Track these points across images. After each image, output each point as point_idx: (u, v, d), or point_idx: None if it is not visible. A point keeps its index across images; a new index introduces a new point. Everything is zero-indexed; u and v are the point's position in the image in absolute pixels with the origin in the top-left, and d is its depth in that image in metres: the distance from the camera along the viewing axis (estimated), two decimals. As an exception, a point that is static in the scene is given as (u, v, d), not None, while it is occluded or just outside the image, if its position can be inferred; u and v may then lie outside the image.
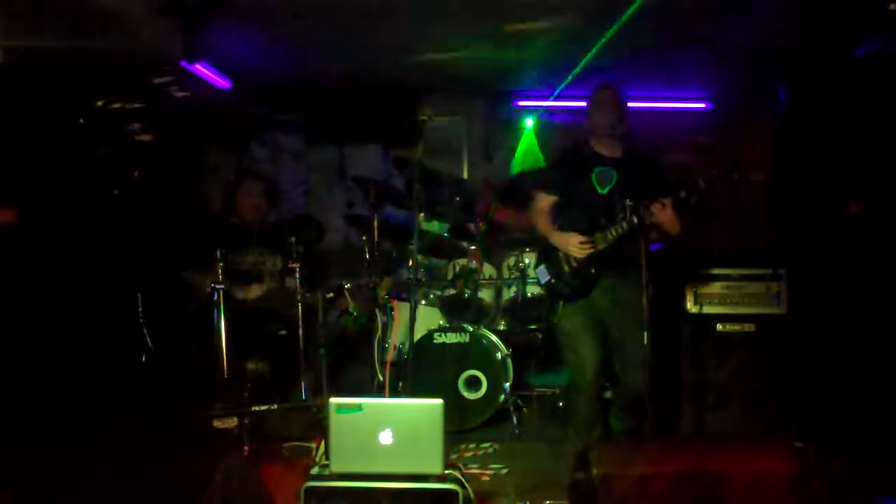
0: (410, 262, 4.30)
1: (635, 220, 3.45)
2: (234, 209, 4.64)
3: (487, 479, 3.70)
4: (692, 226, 3.62)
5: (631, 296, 3.53)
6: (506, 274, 4.74)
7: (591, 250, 3.59)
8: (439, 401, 2.81)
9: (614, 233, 3.53)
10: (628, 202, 3.46)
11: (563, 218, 3.74)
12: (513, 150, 6.23)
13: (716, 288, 4.12)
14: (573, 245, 3.61)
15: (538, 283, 3.91)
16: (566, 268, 3.68)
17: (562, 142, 5.90)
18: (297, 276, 4.15)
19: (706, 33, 4.77)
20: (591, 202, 3.62)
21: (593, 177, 3.64)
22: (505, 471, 3.80)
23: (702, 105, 6.26)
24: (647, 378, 3.48)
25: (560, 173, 3.83)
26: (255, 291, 4.50)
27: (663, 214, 3.46)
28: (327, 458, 2.86)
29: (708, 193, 3.48)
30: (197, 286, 4.27)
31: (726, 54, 5.20)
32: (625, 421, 3.77)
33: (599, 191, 3.62)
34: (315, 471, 2.91)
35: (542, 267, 3.80)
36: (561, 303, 3.76)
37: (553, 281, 3.74)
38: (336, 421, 2.82)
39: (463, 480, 2.80)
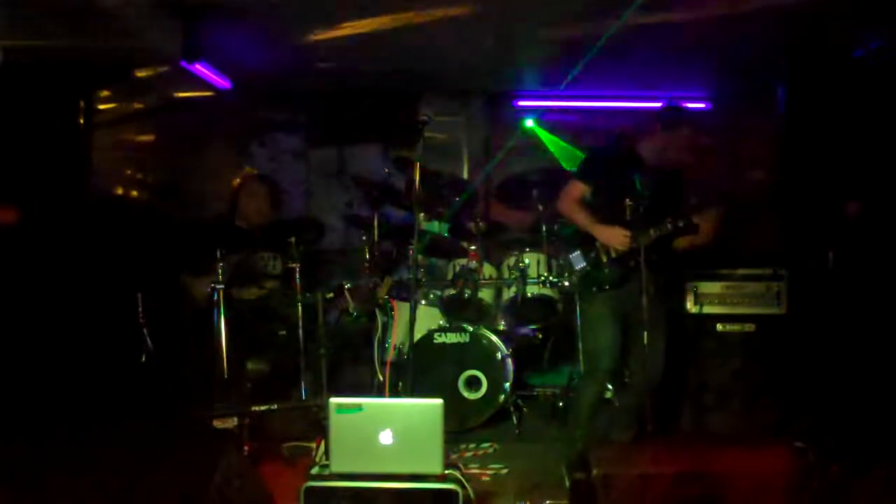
0: (410, 262, 4.30)
1: (681, 223, 3.57)
2: (238, 211, 4.64)
3: (487, 479, 3.71)
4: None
5: (658, 295, 3.64)
6: (506, 274, 4.74)
7: (633, 245, 3.66)
8: (439, 401, 2.81)
9: (656, 232, 3.61)
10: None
11: (605, 211, 3.79)
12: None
13: (716, 288, 4.12)
14: (620, 239, 3.67)
15: (571, 268, 3.92)
16: (604, 258, 3.76)
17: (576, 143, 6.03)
18: (297, 276, 4.15)
19: (706, 34, 4.77)
20: (632, 200, 3.67)
21: (636, 177, 3.71)
22: (505, 471, 3.80)
23: (702, 105, 6.26)
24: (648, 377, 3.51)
25: (602, 166, 3.87)
26: (256, 292, 4.50)
27: (708, 221, 3.60)
28: (327, 458, 2.86)
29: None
30: (195, 291, 4.27)
31: (726, 55, 5.20)
32: (630, 426, 3.82)
33: (640, 190, 3.69)
34: (315, 471, 2.90)
35: (576, 253, 3.86)
36: (593, 289, 3.81)
37: (589, 269, 3.80)
38: (336, 421, 2.82)
39: (463, 480, 2.80)
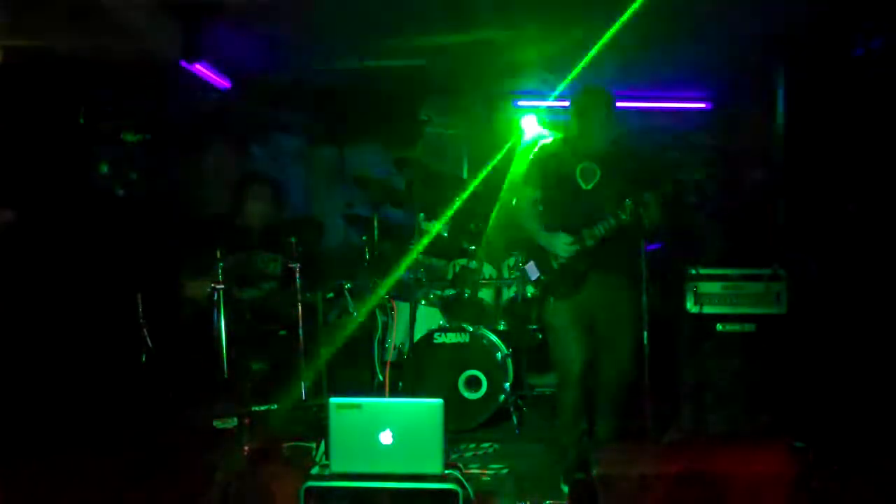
0: (410, 262, 4.30)
1: (623, 216, 3.44)
2: (240, 211, 4.63)
3: (487, 479, 3.71)
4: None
5: (621, 293, 3.57)
6: (506, 274, 4.74)
7: (579, 248, 3.55)
8: (439, 401, 2.81)
9: (602, 229, 3.50)
10: (628, 201, 3.46)
11: (549, 215, 3.68)
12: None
13: (716, 288, 4.11)
14: (559, 246, 3.57)
15: (527, 279, 3.83)
16: (555, 265, 3.64)
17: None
18: (298, 276, 4.15)
19: (706, 32, 4.77)
20: (575, 199, 3.57)
21: (577, 172, 3.57)
22: (505, 471, 3.80)
23: (702, 105, 6.26)
24: (647, 378, 3.51)
25: (542, 169, 3.73)
26: (256, 292, 4.50)
27: (648, 210, 3.45)
28: (327, 458, 2.86)
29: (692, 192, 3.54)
30: (194, 291, 4.27)
31: (726, 54, 5.20)
32: (609, 423, 3.75)
33: (584, 186, 3.57)
34: (315, 471, 2.90)
35: (530, 263, 3.74)
36: (551, 299, 3.70)
37: (543, 278, 3.70)
38: (336, 421, 2.82)
39: (463, 480, 2.80)
